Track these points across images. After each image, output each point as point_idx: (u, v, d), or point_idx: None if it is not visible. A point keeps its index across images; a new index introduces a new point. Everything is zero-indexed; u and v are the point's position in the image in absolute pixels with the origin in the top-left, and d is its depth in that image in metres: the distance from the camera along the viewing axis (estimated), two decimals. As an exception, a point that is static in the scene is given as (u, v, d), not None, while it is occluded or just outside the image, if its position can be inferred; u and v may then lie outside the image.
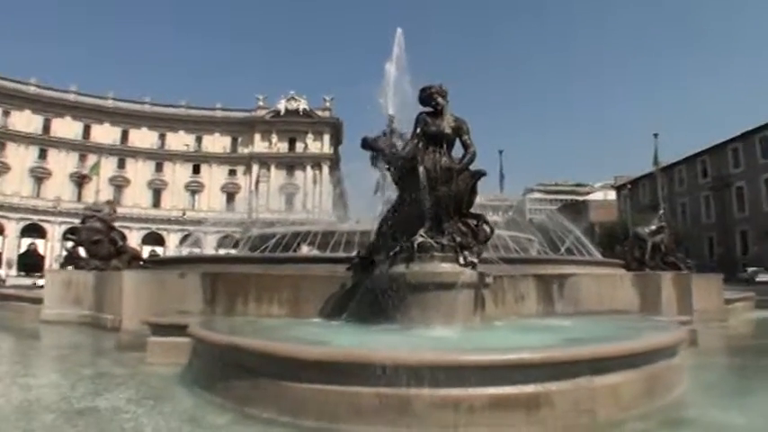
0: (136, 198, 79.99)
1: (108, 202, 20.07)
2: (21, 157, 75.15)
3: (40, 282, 48.98)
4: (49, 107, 77.88)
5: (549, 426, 4.64)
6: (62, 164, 77.67)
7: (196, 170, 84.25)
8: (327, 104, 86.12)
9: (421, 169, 7.71)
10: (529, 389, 4.69)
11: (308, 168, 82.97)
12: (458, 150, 8.56)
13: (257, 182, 79.13)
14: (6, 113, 75.39)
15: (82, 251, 19.10)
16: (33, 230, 75.31)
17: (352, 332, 7.01)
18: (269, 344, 5.46)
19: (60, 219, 75.85)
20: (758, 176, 63.18)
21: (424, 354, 4.99)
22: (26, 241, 75.21)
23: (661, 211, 26.00)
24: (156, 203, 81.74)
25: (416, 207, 7.98)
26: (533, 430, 4.60)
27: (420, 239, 7.74)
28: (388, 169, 8.44)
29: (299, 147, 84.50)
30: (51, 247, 75.28)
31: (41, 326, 13.05)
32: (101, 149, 78.38)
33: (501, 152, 49.98)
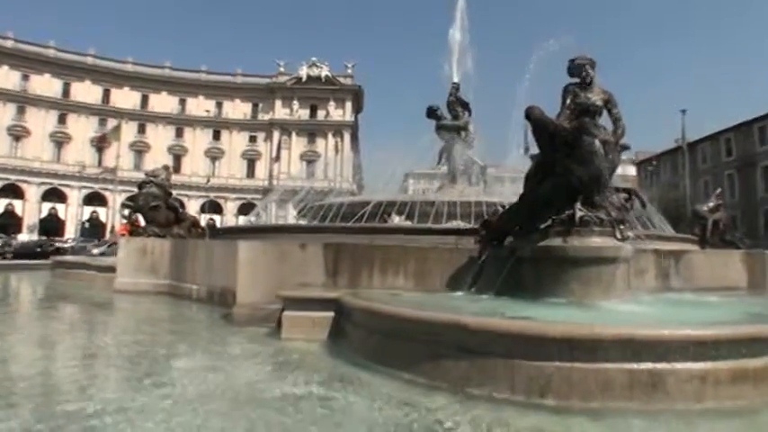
0: (156, 163, 78.48)
1: (164, 167, 19.44)
2: (41, 122, 74.38)
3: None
4: (69, 71, 76.77)
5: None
6: (82, 129, 76.85)
7: (216, 136, 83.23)
8: (349, 71, 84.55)
9: (597, 142, 7.25)
10: (759, 362, 4.68)
11: (330, 136, 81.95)
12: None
13: (278, 149, 78.21)
14: (26, 77, 74.40)
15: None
16: (54, 195, 75.01)
17: (527, 307, 6.53)
18: (503, 322, 5.16)
19: (80, 183, 75.66)
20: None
21: (682, 329, 4.79)
22: (47, 206, 74.93)
23: (718, 190, 25.46)
24: (177, 169, 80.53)
25: (566, 179, 7.54)
26: (759, 401, 4.56)
27: (580, 213, 7.37)
28: (541, 141, 7.84)
29: (321, 114, 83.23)
30: (73, 213, 75.23)
31: (119, 296, 12.55)
32: (121, 114, 77.74)
33: (527, 132, 47.81)
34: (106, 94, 79.45)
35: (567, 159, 7.45)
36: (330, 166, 78.75)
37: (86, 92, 77.64)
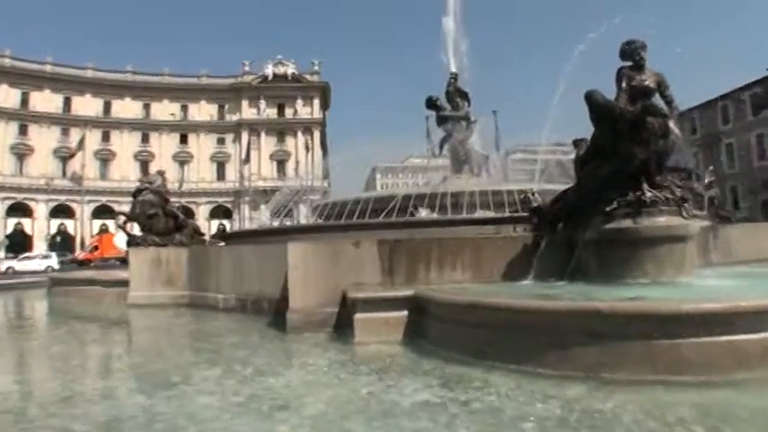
0: (122, 171, 77.46)
1: (159, 173, 18.79)
2: (0, 134, 71.88)
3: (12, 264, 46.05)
4: (26, 80, 73.95)
5: None
6: (44, 139, 74.22)
7: (183, 140, 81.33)
8: (316, 68, 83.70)
9: (671, 123, 7.34)
10: None
11: (299, 134, 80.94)
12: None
13: (248, 149, 76.98)
14: (-20, 89, 71.77)
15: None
16: (18, 210, 72.58)
17: (617, 289, 6.52)
18: (639, 304, 5.15)
19: (46, 196, 73.35)
20: (748, 133, 63.53)
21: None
22: (12, 222, 72.49)
23: (711, 167, 26.26)
24: (145, 176, 79.15)
25: (629, 162, 7.50)
26: None
27: (649, 194, 7.33)
28: (601, 125, 7.70)
29: (289, 112, 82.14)
30: (41, 227, 73.03)
31: (136, 312, 11.92)
32: (84, 122, 75.69)
33: (495, 112, 47.06)
34: (67, 102, 76.89)
35: (630, 142, 7.37)
36: (301, 164, 77.91)
37: (46, 101, 74.96)
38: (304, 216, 35.93)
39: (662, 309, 4.83)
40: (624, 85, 7.81)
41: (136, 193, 17.41)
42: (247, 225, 70.04)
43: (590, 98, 7.52)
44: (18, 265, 45.09)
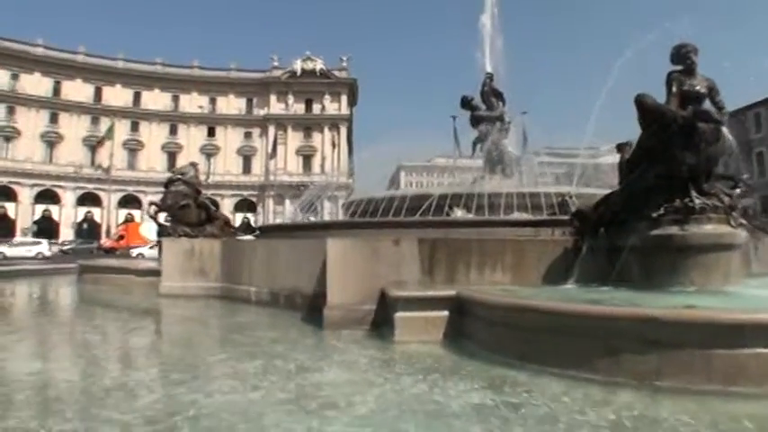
0: (150, 162, 78.50)
1: (192, 164, 18.93)
2: (31, 122, 73.08)
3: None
4: (59, 69, 75.33)
5: None
6: (74, 128, 75.59)
7: (211, 133, 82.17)
8: (344, 64, 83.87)
9: (725, 130, 7.12)
10: None
11: (326, 130, 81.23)
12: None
13: (274, 144, 77.43)
14: (15, 77, 72.95)
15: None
16: (47, 197, 73.79)
17: (665, 297, 6.46)
18: (698, 313, 5.03)
19: (74, 184, 74.55)
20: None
21: None
22: (40, 208, 73.74)
23: (746, 175, 25.73)
24: (172, 167, 79.44)
25: (676, 167, 7.34)
26: None
27: (698, 201, 7.17)
28: (650, 129, 7.56)
29: (316, 108, 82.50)
30: (68, 214, 74.24)
31: (167, 302, 12.01)
32: (113, 112, 76.74)
33: (524, 113, 46.72)
34: (98, 92, 78.14)
35: (680, 147, 7.22)
36: (327, 160, 78.21)
37: (78, 90, 76.35)
38: (328, 212, 36.00)
39: (722, 318, 4.74)
40: (674, 89, 7.65)
41: (168, 184, 17.56)
42: (272, 219, 70.60)
43: (640, 101, 7.39)
44: (8, 251, 45.10)
